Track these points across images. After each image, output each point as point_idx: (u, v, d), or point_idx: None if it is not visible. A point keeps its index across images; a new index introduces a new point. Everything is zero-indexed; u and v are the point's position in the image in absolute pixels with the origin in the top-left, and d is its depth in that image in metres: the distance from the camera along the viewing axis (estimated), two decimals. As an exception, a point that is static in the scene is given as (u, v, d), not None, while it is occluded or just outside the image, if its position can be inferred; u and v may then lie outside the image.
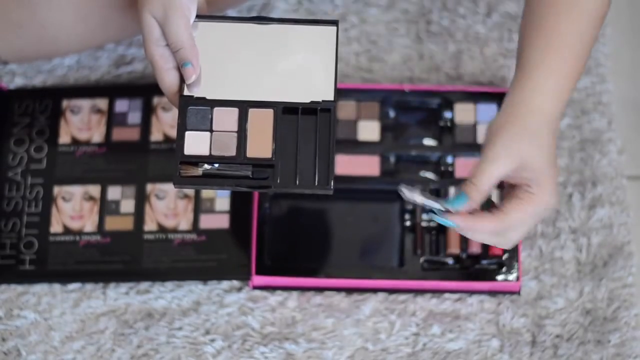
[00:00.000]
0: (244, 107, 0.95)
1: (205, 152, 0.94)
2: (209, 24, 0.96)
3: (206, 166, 0.93)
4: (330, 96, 0.95)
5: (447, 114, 1.21)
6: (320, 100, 0.94)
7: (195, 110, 0.95)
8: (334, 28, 0.97)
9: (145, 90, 1.23)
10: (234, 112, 0.95)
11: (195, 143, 0.94)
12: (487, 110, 1.21)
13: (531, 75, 0.95)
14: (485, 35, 1.28)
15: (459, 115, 1.21)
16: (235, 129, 0.95)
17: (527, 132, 0.93)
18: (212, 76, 0.95)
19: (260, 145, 0.94)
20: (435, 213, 0.96)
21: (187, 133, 0.94)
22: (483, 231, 0.95)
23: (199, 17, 0.96)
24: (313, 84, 0.95)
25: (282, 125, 0.94)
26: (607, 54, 1.28)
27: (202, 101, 0.95)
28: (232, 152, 0.94)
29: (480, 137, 1.20)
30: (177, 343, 1.14)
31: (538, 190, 0.94)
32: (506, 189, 0.96)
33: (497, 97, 1.21)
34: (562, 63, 0.95)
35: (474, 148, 1.19)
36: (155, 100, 1.23)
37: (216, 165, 0.94)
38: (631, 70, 1.29)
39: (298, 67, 0.96)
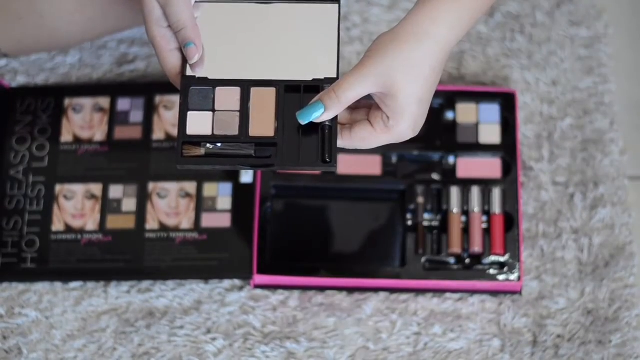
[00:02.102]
0: (246, 86, 0.95)
1: (208, 132, 0.94)
2: (211, 4, 0.96)
3: (209, 146, 0.93)
4: (333, 73, 0.94)
5: (449, 114, 1.21)
6: (322, 77, 0.94)
7: (197, 90, 0.95)
8: (335, 6, 0.96)
9: (147, 89, 1.23)
10: (236, 91, 0.95)
11: (198, 123, 0.94)
12: (489, 110, 1.21)
13: (431, 1, 0.91)
14: (487, 35, 1.28)
15: (461, 115, 1.21)
16: (238, 108, 0.94)
17: (408, 61, 0.90)
18: (213, 56, 0.95)
19: (263, 124, 0.94)
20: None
21: (190, 113, 0.94)
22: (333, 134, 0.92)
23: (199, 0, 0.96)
24: (315, 62, 0.95)
25: (285, 104, 0.94)
26: (610, 54, 1.28)
27: (204, 81, 0.95)
28: (234, 131, 0.94)
29: (483, 137, 1.20)
30: (179, 342, 1.14)
31: (394, 124, 0.92)
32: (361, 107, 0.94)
33: (500, 97, 1.21)
34: None
35: (476, 148, 1.19)
36: (157, 99, 1.23)
37: (219, 144, 0.93)
38: (633, 70, 1.29)
39: (300, 45, 0.95)
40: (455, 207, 1.16)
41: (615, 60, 1.28)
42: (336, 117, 0.92)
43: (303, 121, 0.92)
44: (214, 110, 0.94)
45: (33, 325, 1.15)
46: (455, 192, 1.17)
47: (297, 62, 0.95)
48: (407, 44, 0.90)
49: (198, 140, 0.93)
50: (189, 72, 0.95)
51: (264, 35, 0.96)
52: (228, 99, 0.95)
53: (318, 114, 0.91)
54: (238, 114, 0.94)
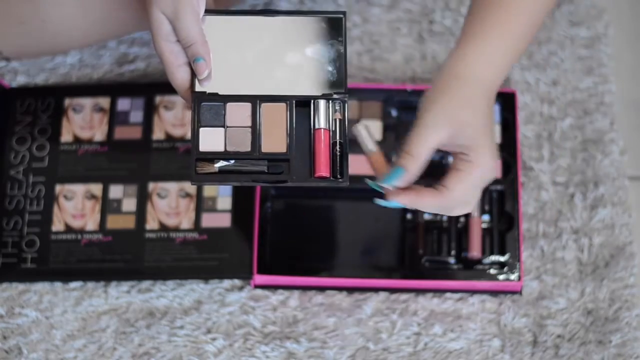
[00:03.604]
0: (256, 101, 0.95)
1: (221, 148, 0.94)
2: (217, 18, 0.96)
3: (222, 162, 0.93)
4: (341, 87, 0.95)
5: (449, 114, 1.21)
6: (332, 92, 0.95)
7: (208, 106, 0.95)
8: (341, 18, 0.97)
9: (147, 89, 1.23)
10: (247, 107, 0.95)
11: (210, 139, 0.94)
12: (489, 110, 1.21)
13: (474, 42, 0.94)
14: (487, 35, 1.28)
15: (461, 115, 1.21)
16: (249, 124, 0.95)
17: (463, 99, 0.92)
18: (223, 71, 0.95)
19: (275, 140, 0.94)
20: (379, 196, 0.95)
21: (202, 129, 0.94)
22: (428, 208, 0.94)
23: (207, 11, 0.95)
24: (323, 75, 0.95)
25: (295, 119, 0.94)
26: (610, 54, 1.28)
27: (214, 97, 0.95)
28: (247, 147, 0.94)
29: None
30: (179, 342, 1.14)
31: (475, 156, 0.93)
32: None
33: (500, 97, 1.21)
34: (506, 33, 0.94)
35: (476, 148, 1.19)
36: (157, 99, 1.23)
37: (232, 161, 0.94)
38: (633, 70, 1.29)
39: (307, 58, 0.96)
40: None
41: (615, 60, 1.28)
42: (346, 133, 0.94)
43: (390, 184, 0.93)
44: (225, 127, 0.95)
45: (33, 325, 1.15)
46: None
47: (305, 76, 0.95)
48: (457, 88, 0.93)
49: (211, 157, 0.93)
50: (198, 88, 0.94)
51: (271, 48, 0.96)
52: (239, 114, 0.95)
53: (400, 176, 0.93)
54: (250, 129, 0.94)
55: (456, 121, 0.92)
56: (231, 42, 0.96)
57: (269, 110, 0.95)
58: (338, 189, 1.18)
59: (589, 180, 1.21)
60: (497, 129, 1.20)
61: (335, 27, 0.96)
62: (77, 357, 1.14)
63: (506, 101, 1.20)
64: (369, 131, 0.96)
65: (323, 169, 0.93)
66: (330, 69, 0.95)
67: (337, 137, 0.94)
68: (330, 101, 0.94)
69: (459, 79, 0.93)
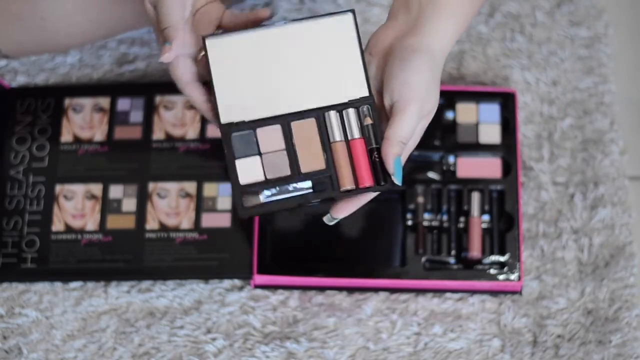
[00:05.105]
0: (285, 122, 0.93)
1: (261, 177, 0.93)
2: (223, 39, 0.93)
3: (266, 192, 0.92)
4: (365, 91, 0.93)
5: (449, 114, 1.21)
6: (358, 97, 0.93)
7: (239, 136, 0.93)
8: (350, 16, 0.94)
9: (147, 89, 1.23)
10: (277, 129, 0.93)
11: (248, 170, 0.92)
12: (490, 110, 1.21)
13: (429, 21, 0.93)
14: (487, 35, 1.28)
15: (461, 114, 1.21)
16: (283, 147, 0.93)
17: (421, 74, 0.92)
18: (243, 95, 0.93)
19: (312, 158, 0.93)
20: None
21: (237, 162, 0.93)
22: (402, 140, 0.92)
23: (213, 34, 0.93)
24: (344, 80, 0.93)
25: (326, 131, 0.93)
26: (610, 54, 1.28)
27: (242, 125, 0.93)
28: (286, 171, 0.93)
29: (483, 137, 1.20)
30: (179, 342, 1.14)
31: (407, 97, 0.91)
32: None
33: (500, 97, 1.21)
34: (457, 12, 0.94)
35: (476, 148, 1.19)
36: (157, 99, 1.23)
37: (276, 189, 0.92)
38: (633, 70, 1.29)
39: (324, 64, 0.93)
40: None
41: (615, 60, 1.28)
42: (379, 136, 0.92)
43: (400, 181, 0.91)
44: (260, 154, 0.93)
45: (33, 325, 1.15)
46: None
47: (327, 84, 0.93)
48: (411, 61, 0.92)
49: (254, 190, 0.92)
50: (224, 120, 0.93)
51: (285, 61, 0.93)
52: (271, 139, 0.93)
53: (402, 164, 0.92)
54: (285, 152, 0.93)
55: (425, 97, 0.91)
56: (243, 63, 0.93)
57: (300, 129, 0.93)
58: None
59: (589, 180, 1.21)
60: (497, 129, 1.20)
61: (346, 27, 0.94)
62: (77, 357, 1.14)
63: (506, 101, 1.21)
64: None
65: (367, 179, 0.92)
66: (349, 70, 0.93)
67: (373, 143, 0.92)
68: (359, 108, 0.93)
69: (418, 52, 0.92)
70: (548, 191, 1.20)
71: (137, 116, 1.22)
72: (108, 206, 1.19)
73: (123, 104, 1.23)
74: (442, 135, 1.20)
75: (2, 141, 1.22)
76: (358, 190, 0.92)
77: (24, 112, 1.23)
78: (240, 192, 0.92)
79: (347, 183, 0.92)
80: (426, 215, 1.17)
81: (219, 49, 0.94)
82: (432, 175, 1.19)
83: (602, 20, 1.29)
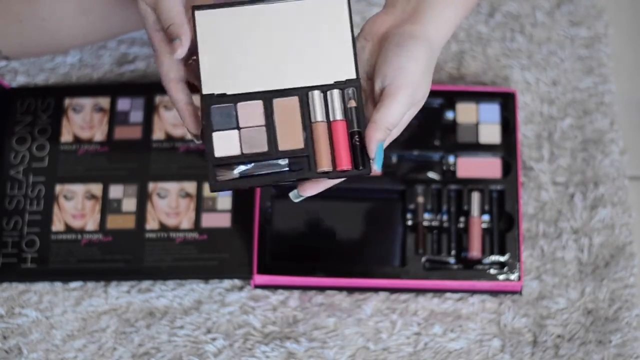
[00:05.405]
0: (267, 98, 0.91)
1: (237, 152, 0.91)
2: (213, 11, 0.92)
3: (241, 167, 0.91)
4: (352, 74, 0.91)
5: (449, 114, 1.21)
6: (344, 79, 0.91)
7: (218, 108, 0.92)
8: None
9: (147, 89, 1.23)
10: (259, 105, 0.92)
11: (225, 143, 0.91)
12: (489, 110, 1.21)
13: (431, 12, 0.93)
14: (487, 35, 1.28)
15: (461, 115, 1.21)
16: (263, 122, 0.91)
17: (415, 61, 0.91)
18: (227, 68, 0.92)
19: (291, 136, 0.91)
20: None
21: (215, 134, 0.91)
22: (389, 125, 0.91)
23: (202, 6, 0.92)
24: (332, 61, 0.92)
25: (309, 110, 0.91)
26: (610, 54, 1.28)
27: (223, 98, 0.92)
28: (263, 147, 0.91)
29: (483, 137, 1.20)
30: (179, 342, 1.14)
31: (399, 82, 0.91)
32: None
33: (500, 97, 1.21)
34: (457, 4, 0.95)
35: (476, 148, 1.19)
36: (157, 99, 1.23)
37: (251, 164, 0.91)
38: (633, 70, 1.29)
39: (313, 45, 0.92)
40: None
41: (615, 60, 1.28)
42: (364, 119, 0.90)
43: (379, 167, 0.90)
44: (239, 128, 0.91)
45: (33, 325, 1.15)
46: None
47: (313, 64, 0.92)
48: (408, 48, 0.91)
49: (228, 162, 0.90)
50: (205, 91, 0.91)
51: (274, 38, 0.92)
52: (251, 114, 0.91)
53: (382, 149, 0.90)
54: (265, 128, 0.91)
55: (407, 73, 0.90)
56: (232, 37, 0.92)
57: (281, 106, 0.91)
58: (338, 189, 1.18)
59: (589, 180, 1.21)
60: (497, 129, 1.20)
61: (338, 8, 0.92)
62: (77, 357, 1.14)
63: (506, 101, 1.21)
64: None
65: (345, 162, 0.90)
66: (337, 52, 0.92)
67: (355, 126, 0.90)
68: (344, 90, 0.91)
69: (414, 39, 0.92)
70: (548, 191, 1.20)
71: (137, 116, 1.22)
72: (108, 206, 1.19)
73: (123, 104, 1.23)
74: (442, 135, 1.20)
75: (2, 141, 1.22)
76: (335, 173, 0.90)
77: (24, 112, 1.23)
78: (214, 164, 0.90)
79: (324, 164, 0.90)
80: (426, 215, 1.17)
81: (207, 21, 0.92)
82: (432, 175, 1.19)
83: (602, 20, 1.29)
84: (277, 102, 0.92)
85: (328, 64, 0.92)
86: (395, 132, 0.92)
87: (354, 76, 0.92)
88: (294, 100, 0.92)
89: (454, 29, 0.95)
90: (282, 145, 0.91)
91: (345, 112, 0.91)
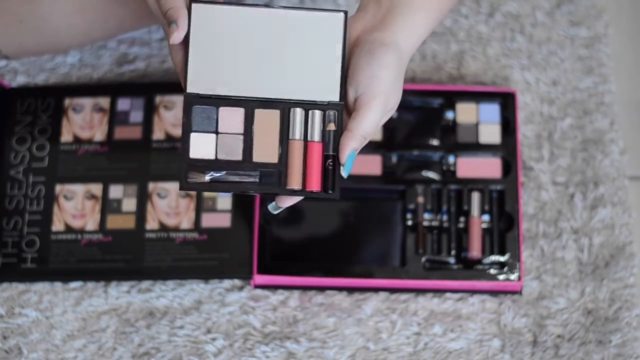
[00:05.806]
0: (250, 107, 0.92)
1: (211, 156, 0.91)
2: (210, 6, 0.91)
3: (213, 172, 0.91)
4: (335, 96, 0.91)
5: (449, 114, 1.21)
6: (326, 101, 0.91)
7: (200, 109, 0.92)
8: (341, 16, 0.91)
9: (147, 89, 1.23)
10: (240, 112, 0.92)
11: (201, 145, 0.91)
12: (489, 110, 1.21)
13: (402, 18, 0.93)
14: (487, 35, 1.28)
15: (461, 115, 1.21)
16: (241, 131, 0.92)
17: (387, 70, 0.91)
18: (215, 69, 0.91)
19: (267, 149, 0.91)
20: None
21: (193, 135, 0.91)
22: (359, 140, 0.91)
23: (202, 1, 0.91)
24: (319, 79, 0.92)
25: (288, 126, 0.92)
26: (610, 54, 1.28)
27: (207, 100, 0.91)
28: (238, 156, 0.91)
29: (483, 137, 1.20)
30: (179, 342, 1.14)
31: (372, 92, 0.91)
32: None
33: (500, 97, 1.21)
34: (429, 10, 0.95)
35: (476, 148, 1.19)
36: (157, 99, 1.23)
37: (223, 172, 0.91)
38: (633, 70, 1.29)
39: (304, 59, 0.91)
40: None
41: (615, 60, 1.28)
42: (338, 147, 0.90)
43: (347, 174, 0.91)
44: (217, 133, 0.92)
45: (33, 325, 1.15)
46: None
47: (300, 79, 0.92)
48: (379, 56, 0.92)
49: (202, 165, 0.91)
50: (190, 89, 0.91)
51: (266, 45, 0.91)
52: (231, 120, 0.92)
53: (354, 157, 0.91)
54: (242, 137, 0.92)
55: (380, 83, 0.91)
56: (224, 37, 0.91)
57: (262, 117, 0.92)
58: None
59: (589, 180, 1.21)
60: (497, 129, 1.20)
61: (335, 27, 0.92)
62: (77, 357, 1.14)
63: (506, 101, 1.21)
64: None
65: (314, 184, 0.91)
66: (326, 71, 0.92)
67: (330, 150, 0.91)
68: (326, 112, 0.91)
69: (384, 47, 0.92)
70: (548, 191, 1.20)
71: (137, 116, 1.22)
72: (108, 206, 1.19)
73: (123, 104, 1.23)
74: (442, 135, 1.20)
75: (2, 141, 1.22)
76: (303, 192, 0.91)
77: (24, 112, 1.23)
78: (187, 165, 0.91)
79: (294, 183, 0.91)
80: (426, 215, 1.17)
81: (203, 16, 0.91)
82: (432, 175, 1.19)
83: (602, 20, 1.29)
84: (259, 113, 0.92)
85: (315, 81, 0.92)
86: (367, 140, 0.93)
87: (337, 99, 0.92)
88: (275, 114, 0.92)
89: (427, 34, 0.96)
90: (257, 157, 0.92)
91: (324, 134, 0.92)
